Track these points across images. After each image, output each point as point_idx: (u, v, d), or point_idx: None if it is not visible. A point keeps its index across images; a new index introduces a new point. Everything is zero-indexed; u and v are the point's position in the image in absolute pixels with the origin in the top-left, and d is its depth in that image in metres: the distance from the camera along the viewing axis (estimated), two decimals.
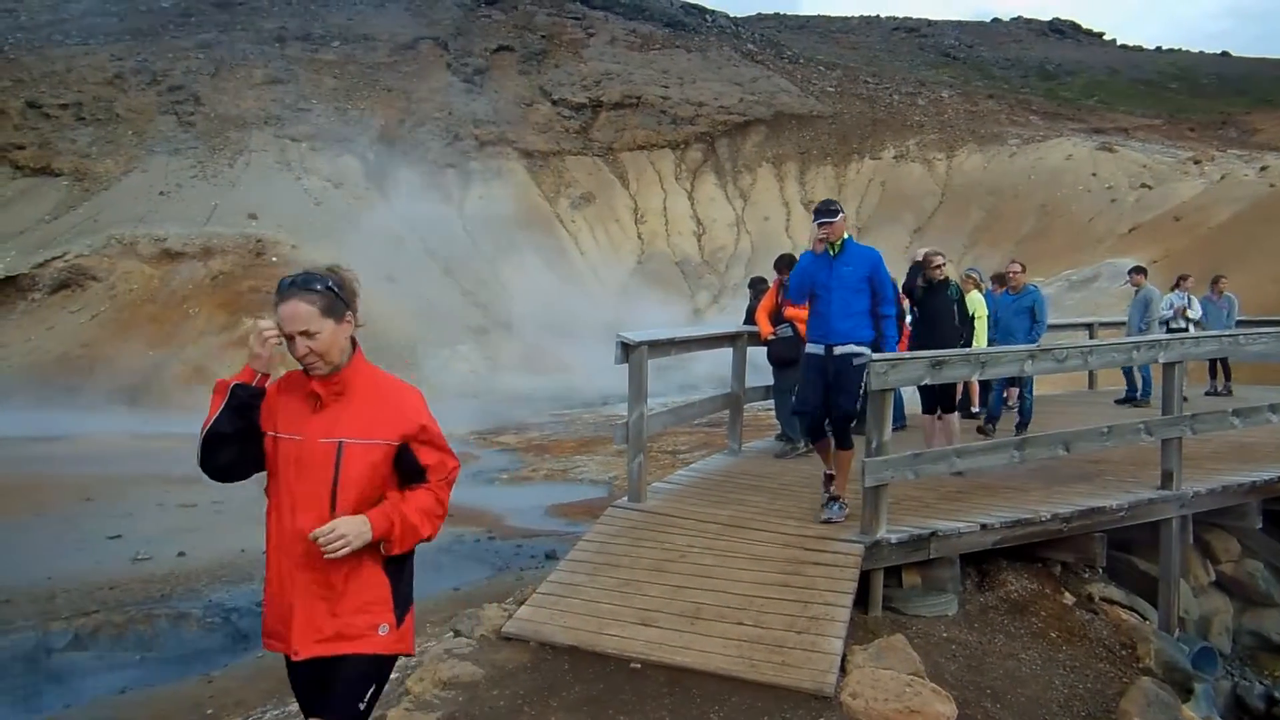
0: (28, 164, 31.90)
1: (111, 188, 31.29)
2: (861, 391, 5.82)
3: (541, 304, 31.43)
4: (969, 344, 8.48)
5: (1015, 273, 9.98)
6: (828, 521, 6.08)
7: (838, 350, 5.99)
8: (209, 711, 6.63)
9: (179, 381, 22.85)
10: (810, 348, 6.18)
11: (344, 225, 30.89)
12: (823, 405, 6.11)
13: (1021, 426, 9.74)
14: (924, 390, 7.79)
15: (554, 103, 41.30)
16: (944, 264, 8.22)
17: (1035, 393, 13.13)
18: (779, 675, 4.62)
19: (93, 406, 20.71)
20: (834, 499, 6.19)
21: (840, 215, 6.05)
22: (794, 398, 7.54)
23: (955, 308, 8.10)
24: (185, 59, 37.68)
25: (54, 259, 27.42)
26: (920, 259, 8.10)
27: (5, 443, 18.52)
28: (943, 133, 42.20)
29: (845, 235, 6.10)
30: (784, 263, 9.02)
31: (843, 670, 4.70)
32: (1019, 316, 9.72)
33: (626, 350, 6.88)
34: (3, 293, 26.58)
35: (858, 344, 5.96)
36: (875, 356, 5.70)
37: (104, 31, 39.22)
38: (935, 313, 8.03)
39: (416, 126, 37.95)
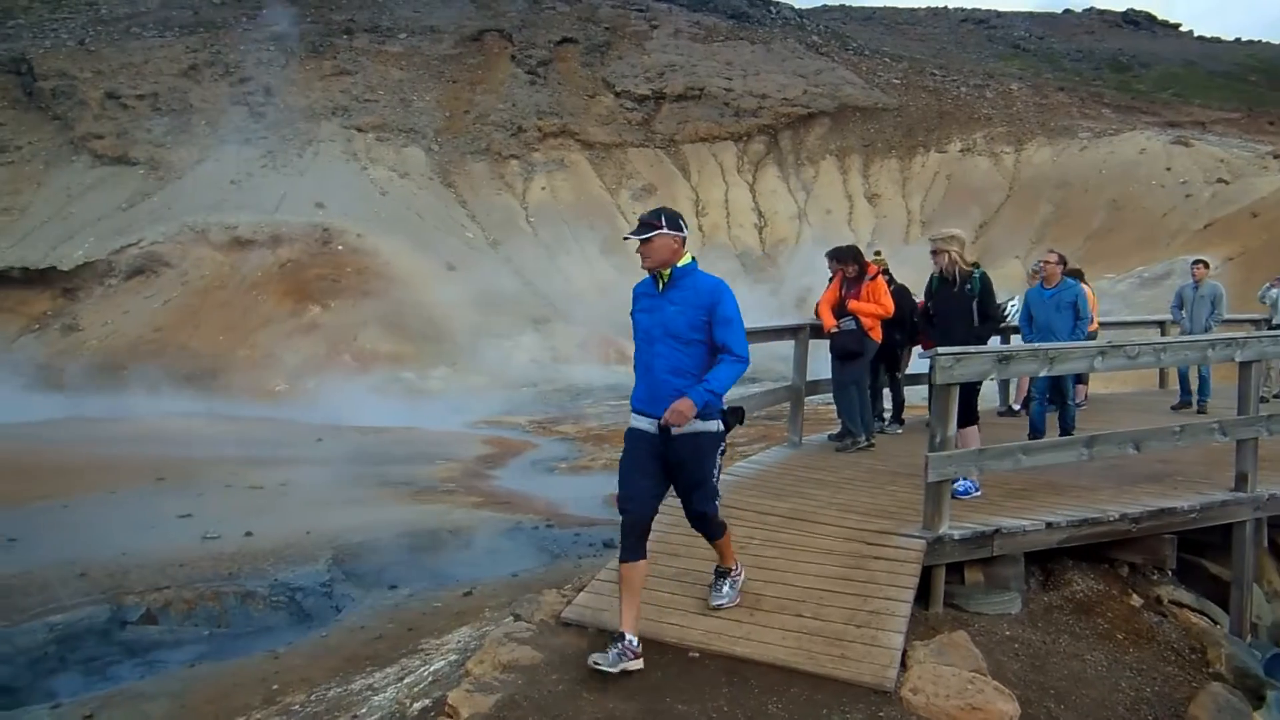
0: (106, 153, 32.79)
1: (185, 177, 32.04)
2: (717, 474, 4.68)
3: (602, 295, 31.53)
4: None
5: (1049, 263, 9.03)
6: (718, 607, 5.06)
7: (678, 431, 4.53)
8: (274, 687, 6.78)
9: (247, 366, 23.38)
10: (636, 420, 4.70)
11: (408, 215, 31.32)
12: (652, 501, 4.66)
13: (1065, 435, 9.38)
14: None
15: (616, 94, 41.35)
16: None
17: (1104, 391, 12.91)
18: (838, 668, 4.60)
19: (165, 389, 21.26)
20: (722, 575, 5.12)
21: (661, 231, 4.54)
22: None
23: (974, 305, 7.04)
24: (257, 51, 38.41)
25: (130, 246, 28.18)
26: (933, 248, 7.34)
27: (83, 423, 19.15)
28: (1011, 126, 41.44)
29: (687, 259, 4.63)
30: (847, 254, 8.96)
31: (903, 666, 4.67)
32: (1060, 313, 8.77)
33: None
34: (81, 278, 27.38)
35: (705, 419, 4.54)
36: (942, 351, 5.60)
37: (179, 24, 40.13)
38: (946, 311, 7.14)
39: (480, 118, 38.27)
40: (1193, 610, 6.04)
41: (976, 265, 7.04)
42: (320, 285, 27.25)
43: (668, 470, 4.64)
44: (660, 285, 4.67)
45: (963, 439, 6.85)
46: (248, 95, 36.33)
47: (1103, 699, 4.83)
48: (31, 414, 20.21)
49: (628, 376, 19.90)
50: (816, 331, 8.95)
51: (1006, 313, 7.25)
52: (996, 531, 5.75)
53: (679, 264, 4.64)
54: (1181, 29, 73.54)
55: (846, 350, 8.69)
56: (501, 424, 19.91)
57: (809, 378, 8.98)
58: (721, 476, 7.61)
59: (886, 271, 9.61)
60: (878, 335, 8.87)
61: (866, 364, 9.06)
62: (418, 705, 5.17)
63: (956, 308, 7.02)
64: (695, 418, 4.44)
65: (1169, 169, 35.34)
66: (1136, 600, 5.99)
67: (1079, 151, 38.51)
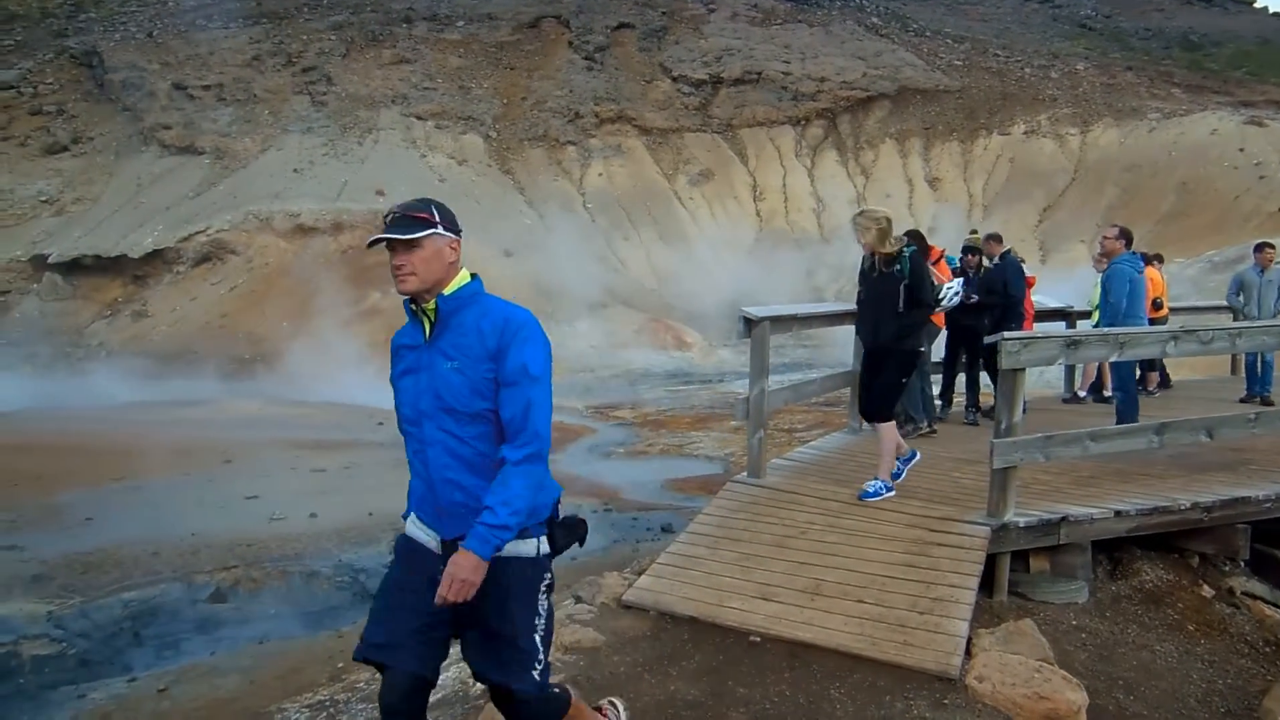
0: (173, 143, 33.50)
1: (249, 165, 32.61)
2: (542, 629, 3.02)
3: (659, 281, 31.58)
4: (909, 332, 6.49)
5: (1106, 238, 8.50)
6: None
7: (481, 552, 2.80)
8: (339, 665, 6.91)
9: (310, 351, 23.78)
10: (413, 527, 3.24)
11: (466, 201, 31.54)
12: (426, 652, 3.01)
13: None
14: (862, 387, 6.76)
15: (674, 79, 41.20)
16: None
17: (1174, 378, 12.58)
18: (902, 655, 4.57)
19: (230, 373, 21.72)
20: None
21: (435, 231, 2.98)
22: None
23: (902, 289, 6.23)
24: (318, 40, 38.92)
25: (197, 233, 28.79)
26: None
27: (154, 407, 19.65)
28: (1077, 107, 40.52)
29: (466, 279, 3.00)
30: (909, 236, 8.86)
31: (967, 653, 4.63)
32: (1103, 293, 8.31)
33: (749, 325, 6.87)
34: (151, 265, 28.06)
35: (521, 538, 2.93)
36: (1007, 335, 5.51)
37: (243, 15, 40.80)
38: (873, 296, 6.47)
39: (538, 104, 38.39)
40: (1267, 603, 5.88)
41: (908, 244, 6.40)
42: (380, 271, 27.55)
43: (454, 613, 2.91)
44: (427, 327, 2.97)
45: (879, 438, 6.48)
46: (309, 84, 36.84)
47: (1173, 690, 4.73)
48: (104, 397, 20.82)
49: (686, 362, 19.98)
50: None
51: (941, 295, 6.74)
52: (1063, 519, 5.66)
53: (450, 289, 2.97)
54: (1256, 5, 71.17)
55: None
56: (559, 409, 19.87)
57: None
58: (779, 461, 7.64)
59: (976, 251, 9.48)
60: (939, 320, 8.76)
61: (928, 349, 8.98)
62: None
63: (884, 291, 6.32)
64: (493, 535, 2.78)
65: (1242, 150, 34.31)
66: (1208, 591, 5.86)
67: (1148, 133, 37.54)
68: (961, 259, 9.50)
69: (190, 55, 36.97)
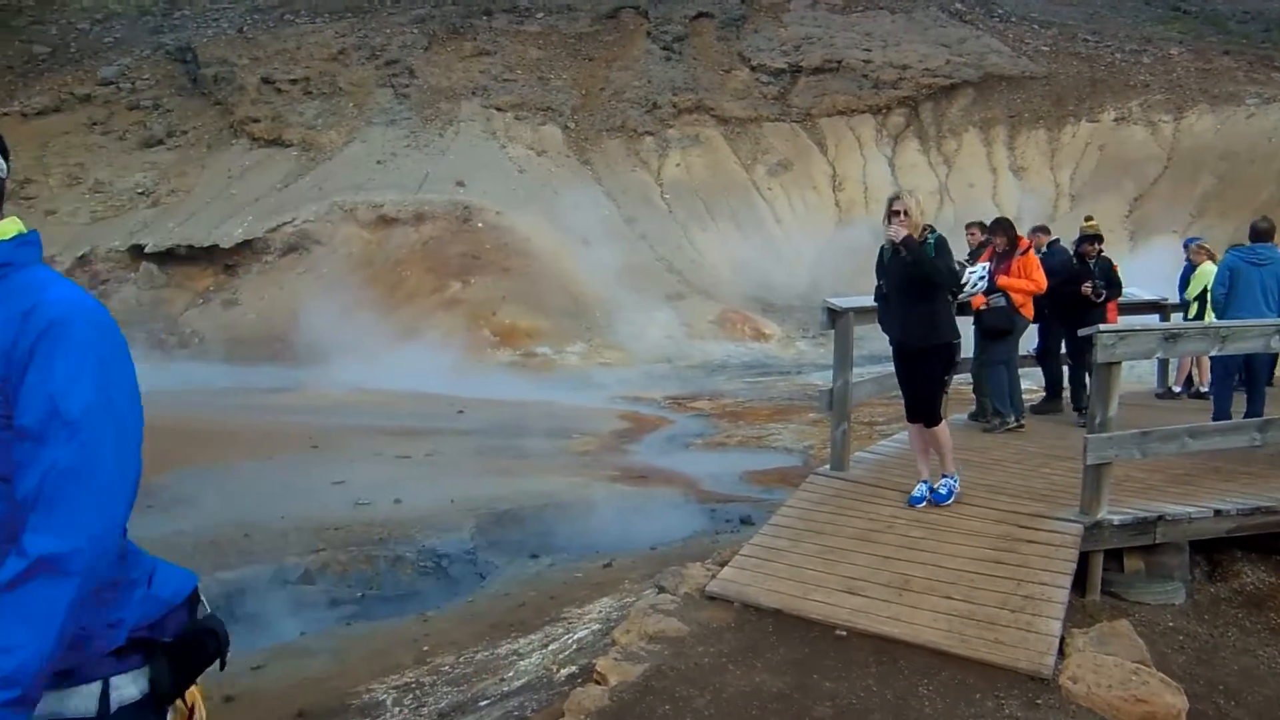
0: (262, 136, 34.32)
1: (334, 158, 33.27)
2: None
3: (737, 271, 31.42)
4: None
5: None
6: None
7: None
8: (425, 648, 7.05)
9: (393, 340, 24.23)
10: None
11: (545, 192, 31.79)
12: None
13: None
14: (905, 388, 6.32)
15: (752, 68, 40.86)
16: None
17: None
18: (992, 653, 4.50)
19: (316, 361, 22.21)
20: None
21: None
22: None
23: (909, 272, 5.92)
24: (401, 34, 39.49)
25: (284, 224, 29.49)
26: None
27: (244, 392, 20.24)
28: (1170, 93, 39.14)
29: (11, 230, 2.08)
30: (996, 225, 8.70)
31: (1060, 653, 4.54)
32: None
33: (833, 316, 6.83)
34: (240, 255, 28.84)
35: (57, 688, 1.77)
36: (1103, 328, 5.37)
37: (329, 10, 41.59)
38: (899, 286, 6.07)
39: (616, 94, 38.45)
40: None
41: (931, 230, 5.93)
42: (461, 262, 27.97)
43: None
44: None
45: (934, 440, 6.19)
46: (392, 77, 37.40)
47: (1278, 697, 4.58)
48: (197, 382, 21.50)
49: (764, 353, 19.94)
50: (962, 308, 8.71)
51: (965, 280, 6.07)
52: (1160, 518, 5.51)
53: None
54: None
55: (995, 328, 8.45)
56: (637, 399, 20.10)
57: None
58: (862, 454, 7.56)
59: (1096, 239, 9.21)
60: (1029, 312, 8.59)
61: (1016, 342, 8.81)
62: (564, 671, 5.31)
63: (910, 281, 5.93)
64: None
65: None
66: None
67: (1246, 119, 36.11)
68: (1078, 249, 9.25)
69: (278, 50, 37.82)
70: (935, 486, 6.15)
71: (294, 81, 36.27)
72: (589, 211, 31.55)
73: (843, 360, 6.87)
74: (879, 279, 6.29)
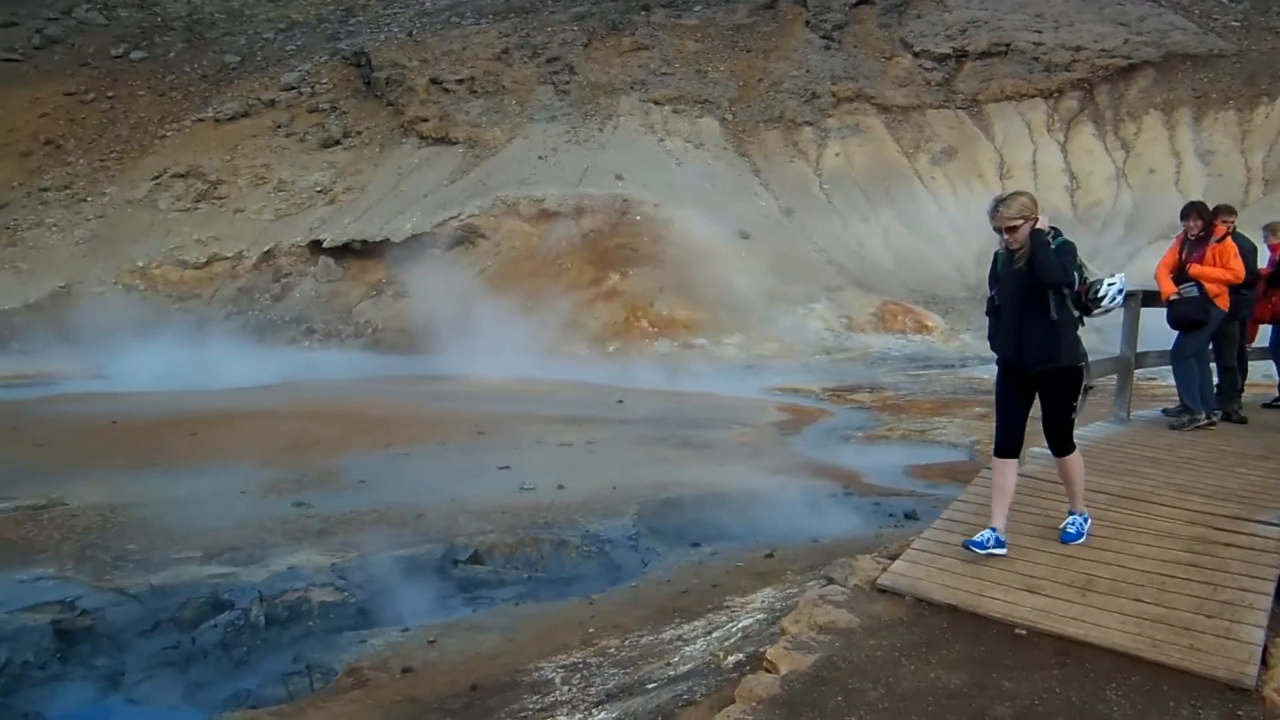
0: (430, 134, 35.63)
1: (498, 154, 34.23)
2: None
3: (898, 262, 30.71)
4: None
5: None
6: None
7: None
8: (591, 630, 7.19)
9: (554, 331, 24.79)
10: None
11: (703, 184, 31.82)
12: None
13: None
14: (1004, 415, 5.58)
15: (915, 55, 39.75)
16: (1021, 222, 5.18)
17: None
18: (1186, 659, 4.26)
19: (480, 350, 22.93)
20: None
21: None
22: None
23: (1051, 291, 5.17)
24: (561, 32, 40.25)
25: (450, 219, 30.56)
26: None
27: (413, 380, 21.14)
28: None
29: None
30: (1189, 210, 8.20)
31: (1263, 663, 4.26)
32: None
33: None
34: (409, 249, 30.03)
35: None
36: None
37: (493, 11, 42.80)
38: (1015, 298, 5.37)
39: (774, 85, 38.12)
40: None
41: (1056, 232, 5.24)
42: (619, 254, 28.33)
43: None
44: None
45: (1064, 473, 5.56)
46: (553, 75, 38.17)
47: None
48: (371, 371, 22.58)
49: (926, 346, 19.49)
50: (1151, 298, 8.28)
51: (1101, 294, 5.17)
52: None
53: None
54: None
55: (1187, 319, 7.98)
56: (795, 391, 19.92)
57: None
58: (1038, 450, 7.25)
59: None
60: (1224, 303, 8.06)
61: (1208, 335, 8.29)
62: (731, 659, 5.32)
63: (1028, 292, 5.23)
64: None
65: None
66: None
67: None
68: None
69: (445, 51, 39.15)
70: (1063, 526, 5.54)
71: (460, 81, 37.47)
72: (747, 203, 31.44)
73: None
74: (991, 290, 5.60)
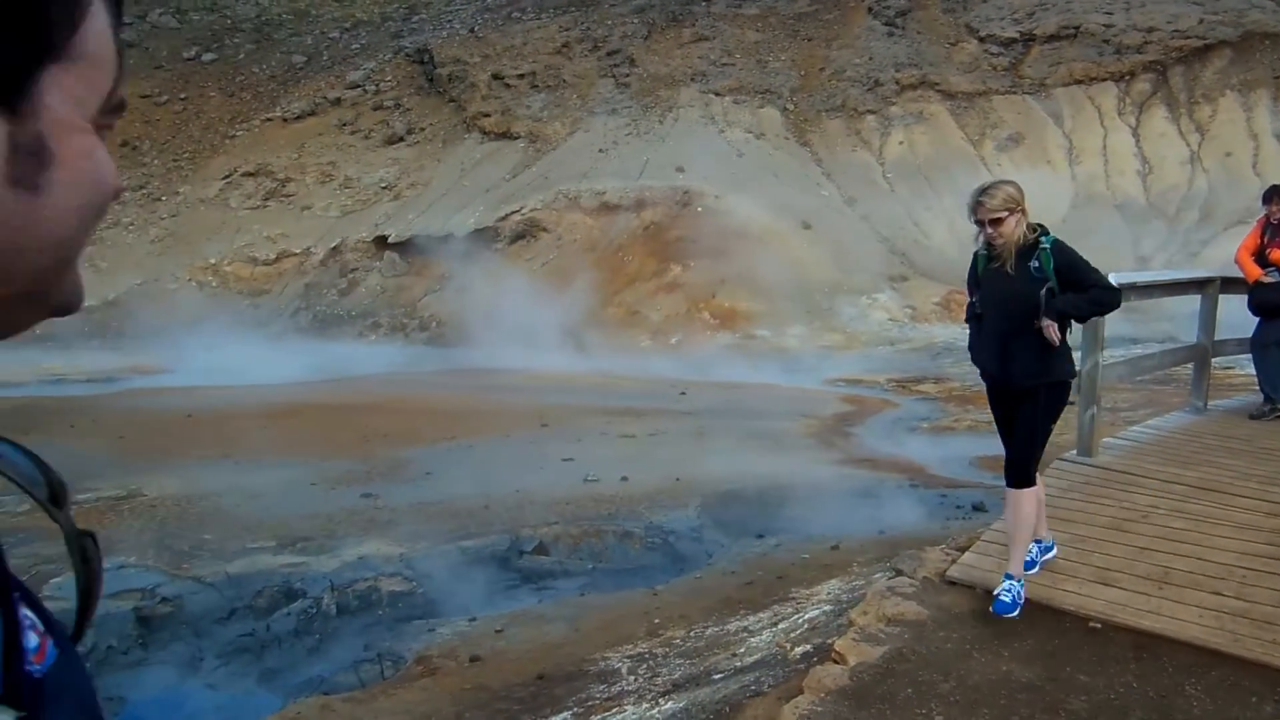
0: (492, 129, 35.93)
1: (559, 148, 34.38)
2: None
3: (964, 251, 30.12)
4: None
5: None
6: None
7: None
8: (656, 621, 7.21)
9: (615, 322, 24.85)
10: None
11: (764, 175, 31.63)
12: None
13: None
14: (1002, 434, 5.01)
15: (981, 40, 39.02)
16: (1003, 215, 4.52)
17: None
18: (1270, 654, 4.14)
19: (543, 343, 23.09)
20: None
21: None
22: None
23: (1044, 294, 4.53)
24: (621, 25, 40.26)
25: (513, 213, 30.80)
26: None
27: (478, 373, 21.33)
28: None
29: None
30: (1272, 193, 7.95)
31: None
32: None
33: None
34: (472, 243, 30.34)
35: None
36: None
37: (554, 5, 42.94)
38: (1000, 300, 4.73)
39: (836, 74, 37.71)
40: None
41: (1042, 230, 4.66)
42: (680, 245, 28.28)
43: None
44: None
45: (1014, 509, 4.77)
46: (614, 68, 38.21)
47: None
48: (434, 364, 22.86)
49: None
50: (1229, 284, 8.04)
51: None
52: None
53: None
54: None
55: (1270, 305, 7.73)
56: (859, 382, 19.72)
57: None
58: (1111, 441, 7.09)
59: None
60: None
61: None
62: (799, 650, 5.30)
63: (1013, 298, 4.60)
64: None
65: None
66: None
67: None
68: None
69: (507, 47, 39.41)
70: (996, 593, 4.73)
71: (521, 76, 37.69)
72: (808, 193, 31.18)
73: (1093, 341, 6.47)
74: (970, 295, 4.88)
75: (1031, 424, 4.69)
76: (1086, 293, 4.56)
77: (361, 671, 7.15)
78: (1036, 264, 4.54)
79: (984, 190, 4.66)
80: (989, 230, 4.58)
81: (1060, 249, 4.59)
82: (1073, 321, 4.68)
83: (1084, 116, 36.10)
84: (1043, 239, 4.57)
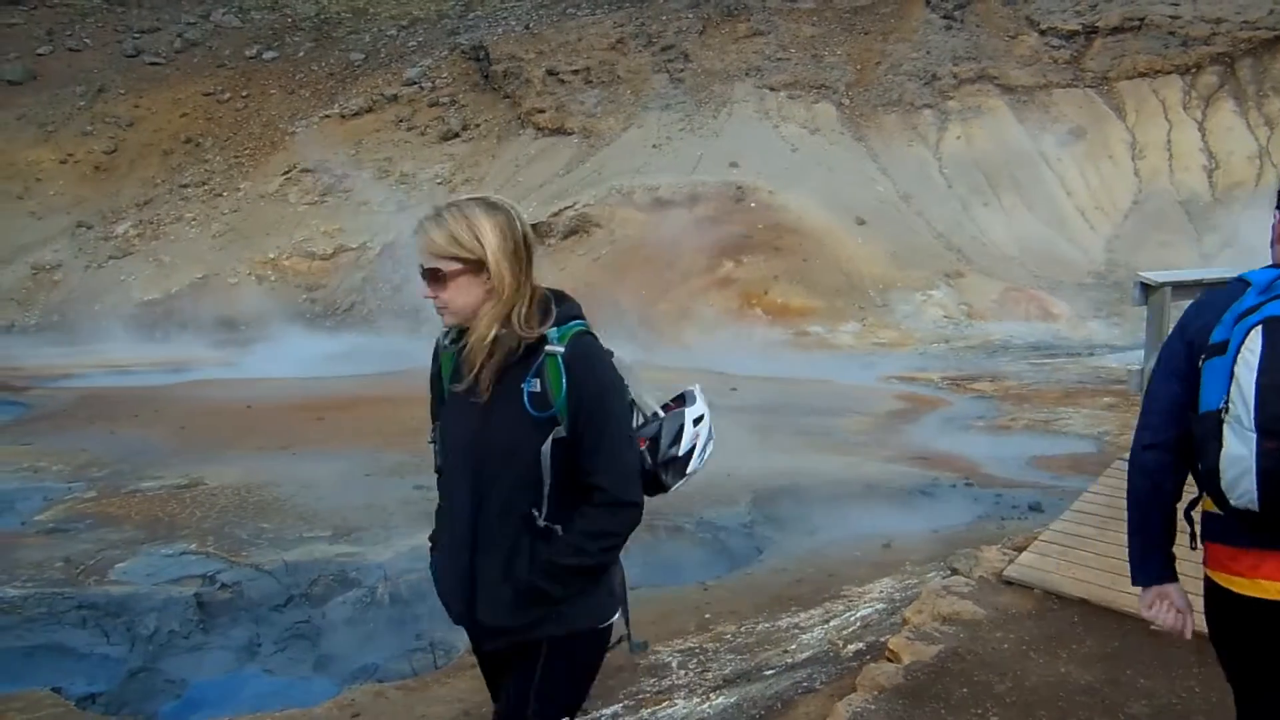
0: (546, 125, 36.12)
1: (612, 143, 34.46)
2: None
3: (1021, 247, 29.74)
4: None
5: None
6: None
7: None
8: (707, 615, 7.21)
9: (667, 318, 24.85)
10: None
11: (819, 170, 31.41)
12: None
13: None
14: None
15: (1041, 32, 38.35)
16: None
17: None
18: None
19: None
20: None
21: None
22: None
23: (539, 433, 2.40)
24: (676, 20, 40.21)
25: (566, 208, 30.92)
26: None
27: None
28: None
29: None
30: None
31: None
32: None
33: (1147, 291, 6.31)
34: None
35: None
36: None
37: (608, 2, 43.02)
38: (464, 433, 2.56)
39: (892, 68, 37.32)
40: None
41: (566, 313, 2.66)
42: (733, 241, 28.18)
43: None
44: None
45: None
46: (668, 63, 38.19)
47: None
48: None
49: (1051, 334, 18.84)
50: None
51: (680, 447, 2.77)
52: None
53: None
54: None
55: None
56: (914, 379, 19.50)
57: None
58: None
59: None
60: None
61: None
62: (851, 647, 5.25)
63: (493, 445, 2.46)
64: None
65: None
66: None
67: None
68: None
69: (561, 43, 39.57)
70: None
71: (575, 72, 37.82)
72: (864, 189, 30.91)
73: (1156, 338, 6.32)
74: (433, 420, 2.79)
75: (532, 701, 2.51)
76: (580, 515, 2.50)
77: (414, 660, 7.23)
78: (537, 387, 2.43)
79: (430, 216, 2.60)
80: (429, 290, 2.55)
81: (586, 361, 2.48)
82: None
83: (1148, 110, 35.32)
84: (551, 337, 2.48)
